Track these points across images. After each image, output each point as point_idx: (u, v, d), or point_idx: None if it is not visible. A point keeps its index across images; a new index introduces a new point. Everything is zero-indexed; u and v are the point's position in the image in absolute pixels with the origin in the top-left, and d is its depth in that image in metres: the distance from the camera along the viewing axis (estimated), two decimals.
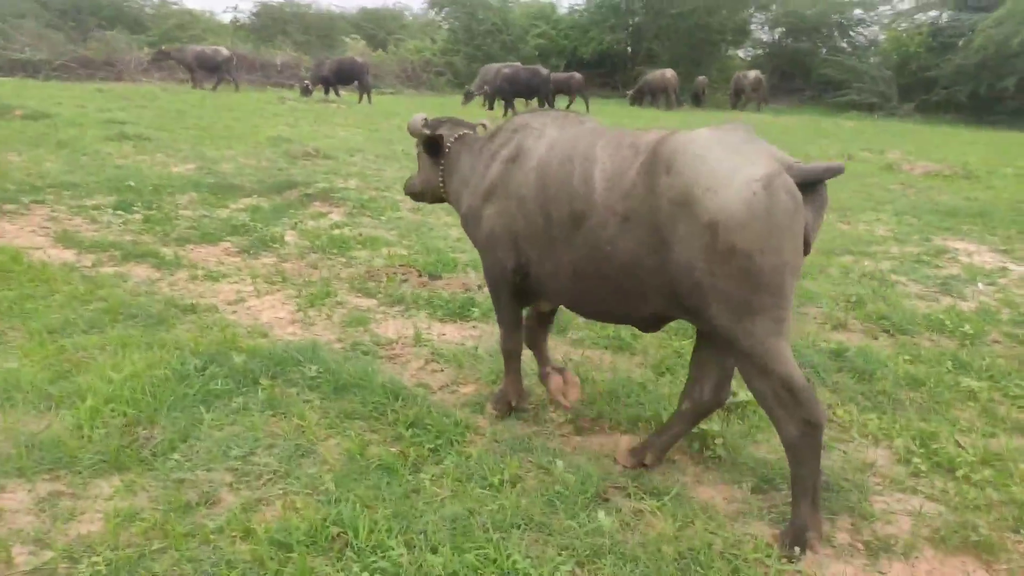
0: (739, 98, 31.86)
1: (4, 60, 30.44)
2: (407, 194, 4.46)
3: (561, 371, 3.89)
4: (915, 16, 33.12)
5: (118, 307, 4.98)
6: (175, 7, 45.29)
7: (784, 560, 2.78)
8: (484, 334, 4.91)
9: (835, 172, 2.73)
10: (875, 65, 30.96)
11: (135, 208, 7.91)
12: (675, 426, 3.39)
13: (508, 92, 22.87)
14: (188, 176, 9.89)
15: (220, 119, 17.04)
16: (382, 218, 8.14)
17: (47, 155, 10.92)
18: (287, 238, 7.01)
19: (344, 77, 27.09)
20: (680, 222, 2.74)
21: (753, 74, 33.33)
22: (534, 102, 24.14)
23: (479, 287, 5.88)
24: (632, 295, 3.07)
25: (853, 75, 31.18)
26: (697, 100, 31.92)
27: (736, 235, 2.61)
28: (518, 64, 25.24)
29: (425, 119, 4.12)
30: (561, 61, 35.08)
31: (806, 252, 2.75)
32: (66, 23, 38.59)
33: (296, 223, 7.57)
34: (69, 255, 6.27)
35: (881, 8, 34.36)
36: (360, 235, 7.27)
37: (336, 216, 8.12)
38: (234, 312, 5.17)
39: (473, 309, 5.28)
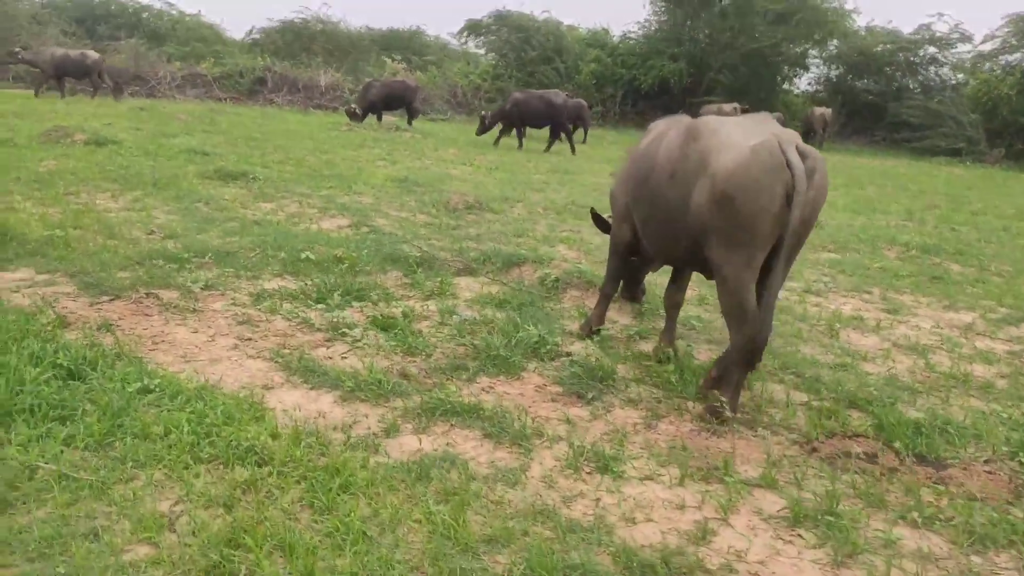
0: (812, 135, 29.96)
1: (26, 71, 27.94)
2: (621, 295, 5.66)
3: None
4: (999, 58, 31.40)
5: (547, 569, 2.65)
6: (196, 19, 43.04)
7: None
8: None
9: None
10: (961, 108, 29.07)
11: (350, 301, 5.57)
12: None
13: (515, 118, 20.19)
14: (351, 238, 7.57)
15: (304, 149, 14.73)
16: (688, 318, 5.80)
17: (151, 201, 8.59)
18: (617, 369, 4.66)
19: (394, 101, 24.68)
20: (699, 176, 3.89)
21: (820, 111, 31.51)
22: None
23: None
24: (674, 235, 4.26)
25: (935, 118, 29.28)
26: None
27: (725, 183, 3.71)
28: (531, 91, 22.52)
29: (591, 211, 5.56)
30: (619, 90, 33.09)
31: (794, 208, 3.62)
32: (84, 32, 36.23)
33: (599, 340, 5.22)
34: (330, 406, 3.92)
35: (959, 47, 32.62)
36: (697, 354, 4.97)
37: (622, 317, 5.80)
38: (731, 573, 2.83)
39: None
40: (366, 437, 3.61)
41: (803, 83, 37.37)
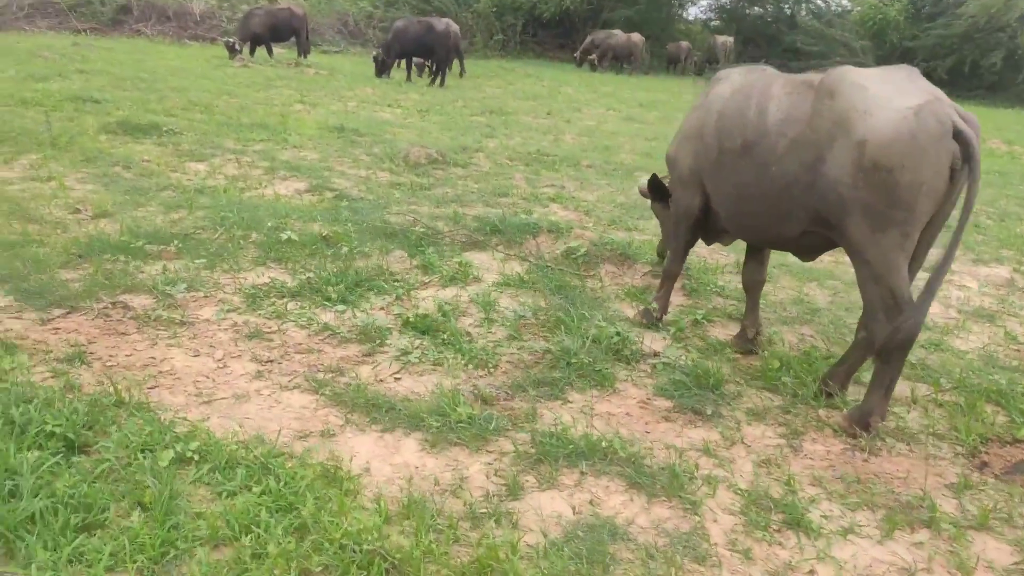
0: (715, 64, 30.03)
1: None
2: (661, 255, 5.10)
3: None
4: None
5: None
6: None
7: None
8: None
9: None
10: (852, 34, 29.69)
11: (367, 296, 4.62)
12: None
13: (396, 48, 18.72)
14: (321, 207, 6.50)
15: (205, 91, 13.00)
16: (767, 301, 5.23)
17: (56, 167, 7.10)
18: (723, 379, 4.01)
19: (281, 32, 22.39)
20: (836, 140, 3.27)
21: (722, 39, 31.69)
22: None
23: None
24: (785, 212, 3.61)
25: (829, 44, 29.83)
26: (674, 66, 29.83)
27: (880, 152, 3.11)
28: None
29: (650, 178, 4.78)
30: (520, 19, 31.73)
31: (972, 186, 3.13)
32: None
33: (675, 331, 4.54)
34: (419, 457, 3.07)
35: None
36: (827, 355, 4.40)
37: (680, 297, 5.12)
38: None
39: None
40: (488, 502, 2.82)
41: (696, 11, 37.26)
